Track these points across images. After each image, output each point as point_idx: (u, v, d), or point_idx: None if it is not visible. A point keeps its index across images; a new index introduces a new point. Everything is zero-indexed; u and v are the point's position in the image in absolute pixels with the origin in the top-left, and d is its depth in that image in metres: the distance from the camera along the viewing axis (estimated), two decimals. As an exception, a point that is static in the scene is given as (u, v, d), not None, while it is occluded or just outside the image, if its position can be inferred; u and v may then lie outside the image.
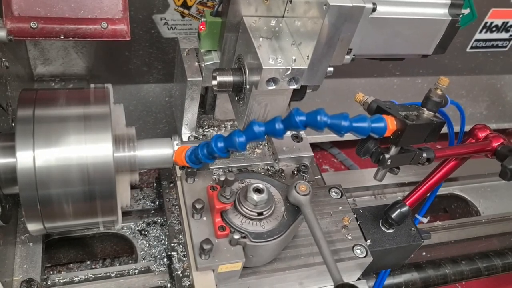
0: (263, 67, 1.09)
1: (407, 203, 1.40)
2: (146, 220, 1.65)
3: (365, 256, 1.33)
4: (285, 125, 1.02)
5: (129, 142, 1.16)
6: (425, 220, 1.58)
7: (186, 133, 1.50)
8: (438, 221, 2.02)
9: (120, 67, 1.88)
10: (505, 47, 2.44)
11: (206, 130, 1.53)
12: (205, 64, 1.33)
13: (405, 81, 2.41)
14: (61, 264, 1.71)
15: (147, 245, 1.59)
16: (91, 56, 1.81)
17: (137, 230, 1.63)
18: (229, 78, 1.21)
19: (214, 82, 1.22)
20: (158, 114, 2.01)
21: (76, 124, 1.07)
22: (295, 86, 1.15)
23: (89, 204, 1.09)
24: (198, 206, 1.20)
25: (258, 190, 1.20)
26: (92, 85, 1.19)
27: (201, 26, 1.30)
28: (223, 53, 1.32)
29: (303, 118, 1.00)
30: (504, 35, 2.37)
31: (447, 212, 2.34)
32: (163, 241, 1.60)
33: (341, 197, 1.45)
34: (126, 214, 1.64)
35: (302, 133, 1.57)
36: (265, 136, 1.05)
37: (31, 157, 1.01)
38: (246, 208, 1.20)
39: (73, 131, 1.06)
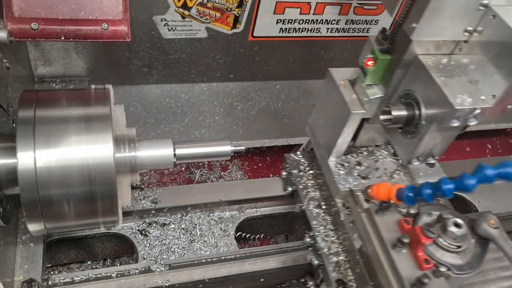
0: (456, 107, 1.11)
1: None
2: (146, 220, 1.66)
3: None
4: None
5: (129, 143, 1.16)
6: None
7: (332, 160, 1.51)
8: (437, 221, 2.02)
9: (120, 68, 1.89)
10: (505, 47, 2.44)
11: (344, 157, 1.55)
12: (370, 98, 1.35)
13: None
14: (62, 264, 1.72)
15: (148, 245, 1.60)
16: (92, 57, 1.81)
17: (138, 230, 1.64)
18: (403, 113, 1.25)
19: (387, 116, 1.25)
20: (158, 115, 2.02)
21: (77, 125, 1.07)
22: (474, 123, 1.18)
23: (90, 204, 1.09)
24: (405, 240, 1.21)
25: (457, 225, 1.23)
26: (93, 86, 1.19)
27: (368, 62, 1.31)
28: (387, 87, 1.34)
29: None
30: (504, 35, 2.37)
31: (447, 212, 2.34)
32: (163, 241, 1.60)
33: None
34: (126, 214, 1.65)
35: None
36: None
37: (32, 158, 1.02)
38: (446, 242, 1.23)
39: (73, 132, 1.06)
